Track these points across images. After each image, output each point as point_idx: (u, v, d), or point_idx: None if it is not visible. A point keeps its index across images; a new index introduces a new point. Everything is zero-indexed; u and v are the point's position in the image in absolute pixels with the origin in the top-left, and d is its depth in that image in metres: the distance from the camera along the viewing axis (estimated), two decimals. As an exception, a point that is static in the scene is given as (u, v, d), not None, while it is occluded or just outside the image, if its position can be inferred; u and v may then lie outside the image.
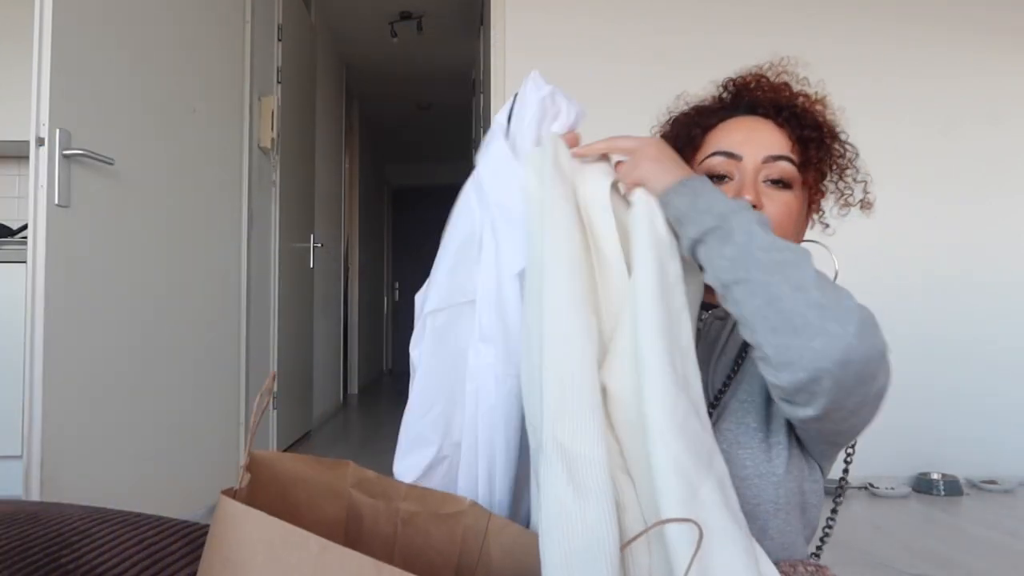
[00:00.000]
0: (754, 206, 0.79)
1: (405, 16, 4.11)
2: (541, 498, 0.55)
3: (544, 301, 0.63)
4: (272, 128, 2.80)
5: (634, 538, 0.53)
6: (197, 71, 2.21)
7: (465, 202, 0.78)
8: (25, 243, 1.56)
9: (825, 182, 0.87)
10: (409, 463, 0.76)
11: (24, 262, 1.54)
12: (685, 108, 0.95)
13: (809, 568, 0.70)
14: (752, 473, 0.72)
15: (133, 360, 1.85)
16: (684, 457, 0.56)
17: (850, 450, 0.81)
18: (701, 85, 0.98)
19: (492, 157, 0.76)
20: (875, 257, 2.81)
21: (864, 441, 2.69)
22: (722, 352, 0.82)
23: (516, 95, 0.78)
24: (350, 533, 0.66)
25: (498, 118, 0.79)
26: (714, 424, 0.74)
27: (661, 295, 0.64)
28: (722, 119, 0.88)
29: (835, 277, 0.84)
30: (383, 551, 0.66)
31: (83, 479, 1.63)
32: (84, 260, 1.66)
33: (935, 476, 2.76)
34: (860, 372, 0.57)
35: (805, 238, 0.90)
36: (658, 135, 0.96)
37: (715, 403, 0.77)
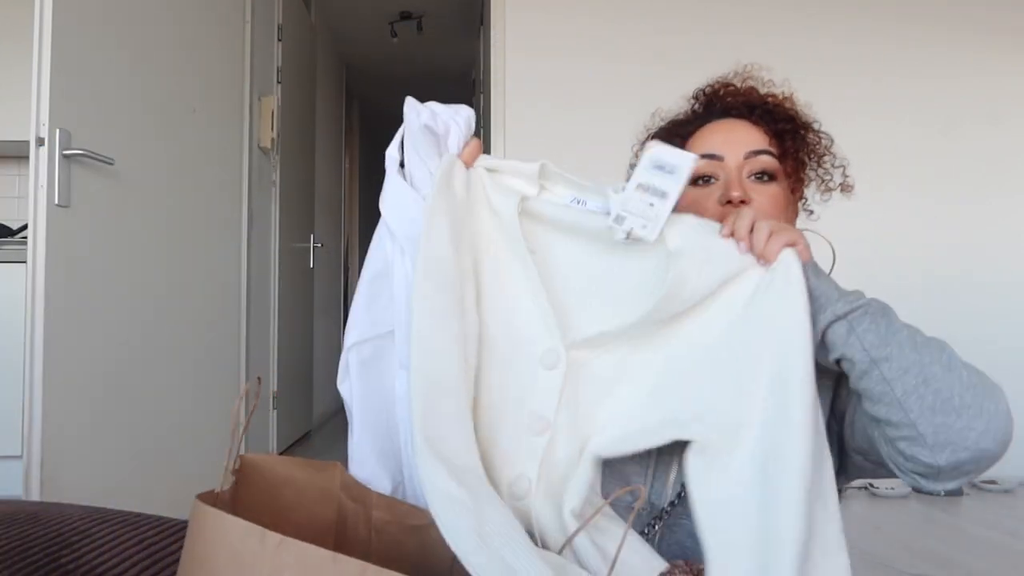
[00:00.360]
0: (743, 201, 0.82)
1: (405, 16, 4.11)
2: (426, 493, 0.55)
3: (412, 311, 0.65)
4: (272, 128, 2.80)
5: (590, 517, 0.54)
6: (197, 71, 2.21)
7: (378, 237, 0.80)
8: (25, 243, 1.56)
9: (806, 171, 0.90)
10: None
11: (24, 262, 1.53)
12: (661, 123, 0.98)
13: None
14: None
15: (133, 360, 1.85)
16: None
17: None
18: (701, 85, 0.99)
19: (390, 192, 0.78)
20: (875, 257, 2.80)
21: (864, 441, 2.61)
22: None
23: (403, 126, 0.78)
24: (339, 534, 0.66)
25: (390, 152, 0.79)
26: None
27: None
28: (699, 126, 0.91)
29: (832, 265, 0.86)
30: (362, 557, 0.66)
31: (83, 479, 1.63)
32: (84, 260, 1.66)
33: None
34: (1004, 447, 0.60)
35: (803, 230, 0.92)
36: (636, 152, 0.99)
37: None
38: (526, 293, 0.72)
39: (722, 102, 0.92)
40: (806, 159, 0.89)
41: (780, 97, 0.92)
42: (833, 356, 0.65)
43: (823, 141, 0.91)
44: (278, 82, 2.96)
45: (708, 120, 0.91)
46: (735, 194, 0.82)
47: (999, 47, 2.98)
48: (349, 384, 0.79)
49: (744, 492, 0.58)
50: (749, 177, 0.84)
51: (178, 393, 2.06)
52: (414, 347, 0.63)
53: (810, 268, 0.68)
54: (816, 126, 0.92)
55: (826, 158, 0.91)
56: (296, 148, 3.27)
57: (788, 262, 0.65)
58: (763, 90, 0.93)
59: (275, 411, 2.99)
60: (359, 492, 0.69)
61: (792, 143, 0.86)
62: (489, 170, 0.78)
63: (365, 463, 0.76)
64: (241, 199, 2.51)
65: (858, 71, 2.85)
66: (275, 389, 2.98)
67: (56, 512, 0.71)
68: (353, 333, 0.79)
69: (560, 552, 0.56)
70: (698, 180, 0.85)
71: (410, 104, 0.76)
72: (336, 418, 4.42)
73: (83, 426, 1.63)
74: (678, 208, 0.69)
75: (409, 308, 0.67)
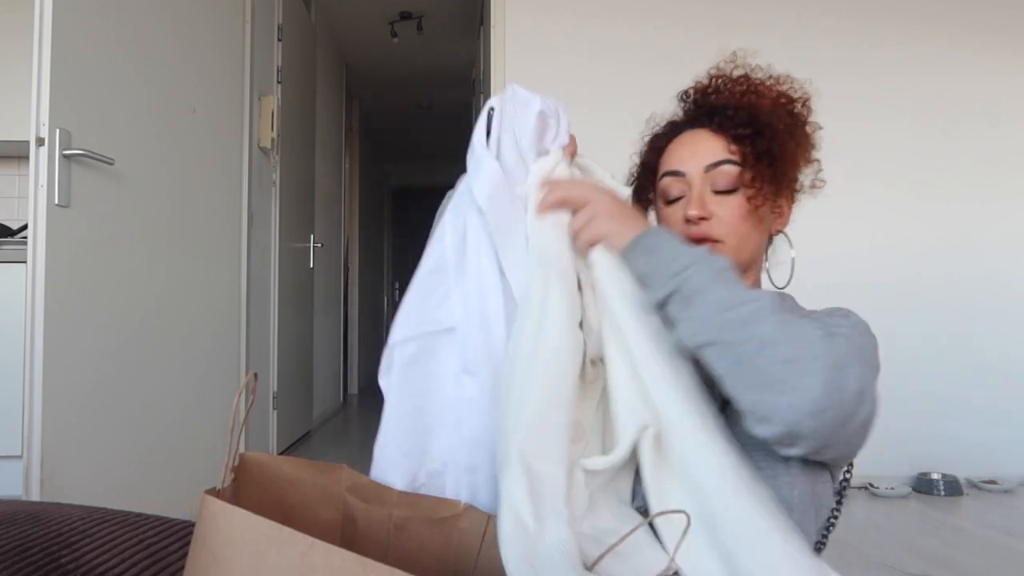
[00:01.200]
0: (702, 217, 0.83)
1: (405, 16, 4.10)
2: (500, 506, 0.56)
3: (546, 316, 0.64)
4: (272, 128, 2.80)
5: (627, 535, 0.53)
6: (197, 71, 2.21)
7: (440, 231, 0.76)
8: (25, 243, 1.56)
9: (777, 172, 0.86)
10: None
11: (24, 262, 1.54)
12: (657, 128, 0.98)
13: None
14: (768, 473, 0.72)
15: (133, 360, 1.85)
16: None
17: (837, 506, 0.82)
18: (692, 81, 0.99)
19: (486, 181, 0.72)
20: (874, 258, 2.80)
21: (864, 441, 2.60)
22: None
23: (491, 110, 0.74)
24: (346, 536, 0.66)
25: (476, 137, 0.75)
26: (728, 426, 0.75)
27: (656, 346, 0.66)
28: (669, 139, 0.91)
29: (792, 266, 0.90)
30: (376, 556, 0.66)
31: (83, 479, 1.63)
32: (84, 260, 1.66)
33: (935, 476, 2.76)
34: (836, 416, 0.59)
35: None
36: (639, 162, 0.99)
37: (724, 407, 0.77)
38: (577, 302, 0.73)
39: (707, 104, 0.92)
40: (781, 158, 0.86)
41: (749, 90, 0.90)
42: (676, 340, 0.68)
43: (794, 140, 0.87)
44: (278, 82, 2.96)
45: (679, 131, 0.91)
46: (692, 213, 0.84)
47: (999, 47, 2.98)
48: (389, 381, 0.76)
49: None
50: (715, 191, 0.85)
51: (178, 393, 2.06)
52: (540, 355, 0.62)
53: (635, 251, 0.70)
54: (797, 109, 0.90)
55: (797, 154, 0.88)
56: (296, 148, 3.27)
57: (595, 260, 0.71)
58: (755, 76, 0.92)
59: (275, 411, 2.99)
60: (374, 492, 0.68)
61: (751, 149, 0.84)
62: (582, 168, 0.79)
63: (385, 460, 0.73)
64: (241, 199, 2.51)
65: (858, 71, 2.85)
66: (275, 389, 2.98)
67: (56, 512, 0.71)
68: (400, 329, 0.76)
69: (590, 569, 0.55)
70: (671, 201, 0.88)
71: (518, 91, 0.74)
72: (336, 418, 4.41)
73: (83, 426, 1.63)
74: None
75: (512, 315, 0.67)
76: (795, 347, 0.59)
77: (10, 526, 0.65)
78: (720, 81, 0.93)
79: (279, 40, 2.98)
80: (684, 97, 0.97)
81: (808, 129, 0.90)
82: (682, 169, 0.86)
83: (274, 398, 2.97)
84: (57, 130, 1.54)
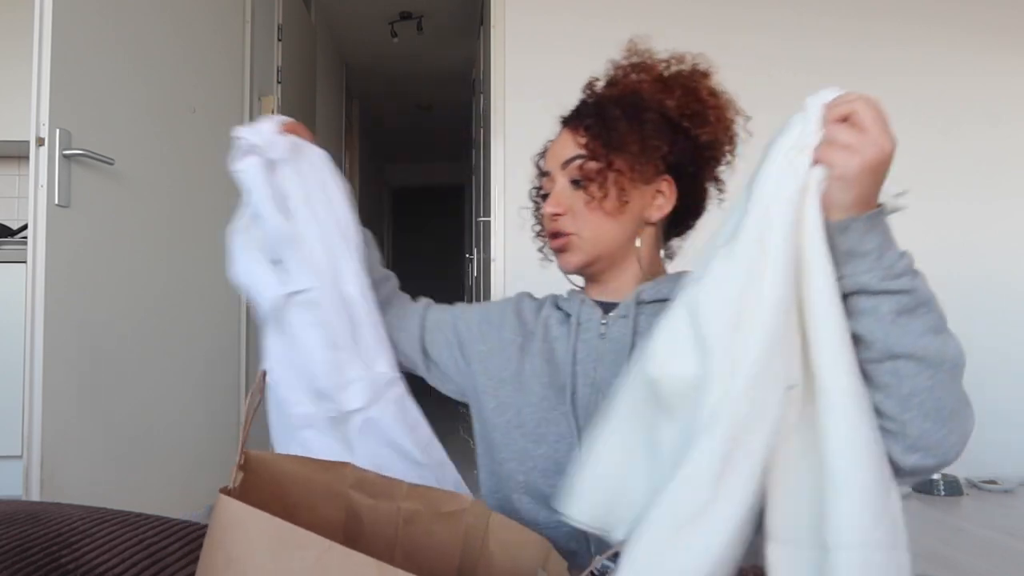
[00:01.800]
0: (557, 213, 0.86)
1: (405, 16, 4.10)
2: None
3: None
4: (272, 128, 2.79)
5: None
6: (197, 71, 2.21)
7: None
8: (25, 243, 1.56)
9: (633, 157, 0.84)
10: None
11: (24, 262, 1.54)
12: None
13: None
14: None
15: (133, 360, 1.85)
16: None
17: None
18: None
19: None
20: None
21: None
22: (635, 349, 0.80)
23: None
24: (349, 534, 0.66)
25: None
26: None
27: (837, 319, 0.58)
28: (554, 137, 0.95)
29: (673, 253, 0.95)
30: (384, 552, 0.66)
31: (83, 479, 1.63)
32: (84, 260, 1.66)
33: (935, 476, 2.76)
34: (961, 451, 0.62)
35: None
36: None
37: None
38: None
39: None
40: (618, 148, 0.84)
41: (653, 62, 0.91)
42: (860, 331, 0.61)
43: (638, 124, 0.84)
44: (278, 82, 2.96)
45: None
46: (546, 209, 0.87)
47: (999, 47, 2.98)
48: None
49: None
50: (573, 185, 0.87)
51: (178, 393, 2.06)
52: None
53: (875, 221, 0.65)
54: (693, 80, 0.87)
55: (636, 142, 0.84)
56: (296, 148, 3.26)
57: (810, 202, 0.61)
58: (655, 61, 0.92)
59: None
60: (381, 487, 0.68)
61: (595, 142, 0.85)
62: None
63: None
64: (241, 199, 2.50)
65: (858, 71, 2.85)
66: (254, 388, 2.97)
67: (56, 512, 0.71)
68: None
69: None
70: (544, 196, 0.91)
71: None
72: (336, 418, 4.41)
73: (83, 426, 1.63)
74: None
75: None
76: (961, 384, 0.61)
77: (10, 526, 0.65)
78: (615, 70, 0.94)
79: (279, 40, 2.98)
80: (583, 91, 0.99)
81: (707, 108, 0.86)
82: (547, 168, 0.90)
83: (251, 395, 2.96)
84: (57, 130, 1.54)
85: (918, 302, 0.61)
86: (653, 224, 0.88)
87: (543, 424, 0.81)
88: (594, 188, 0.84)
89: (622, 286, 0.87)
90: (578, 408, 0.80)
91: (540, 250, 0.98)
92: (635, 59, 0.93)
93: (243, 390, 2.51)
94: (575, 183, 0.86)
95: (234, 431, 2.46)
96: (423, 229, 7.86)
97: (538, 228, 0.98)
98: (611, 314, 0.85)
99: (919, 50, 2.94)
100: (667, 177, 0.87)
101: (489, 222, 2.88)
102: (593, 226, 0.85)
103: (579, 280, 0.93)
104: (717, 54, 0.96)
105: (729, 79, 0.93)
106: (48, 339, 1.52)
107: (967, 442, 0.60)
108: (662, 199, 0.87)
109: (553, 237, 0.87)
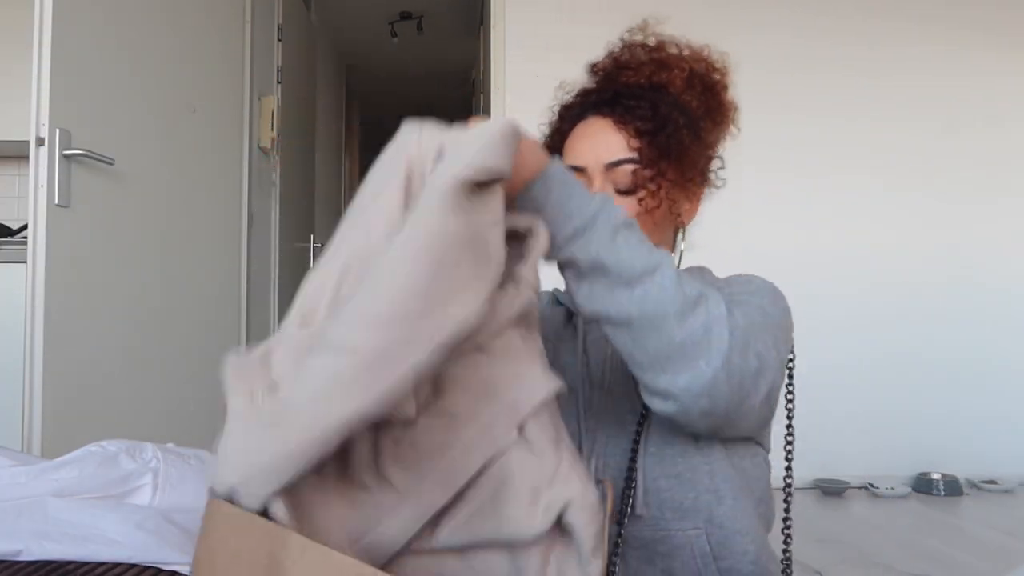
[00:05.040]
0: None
1: (405, 16, 4.10)
2: None
3: None
4: (272, 128, 2.79)
5: None
6: (197, 71, 2.21)
7: None
8: (25, 243, 1.56)
9: (678, 171, 0.81)
10: None
11: (24, 262, 1.54)
12: (567, 97, 0.91)
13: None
14: (684, 469, 0.73)
15: (133, 360, 1.85)
16: None
17: (789, 447, 0.78)
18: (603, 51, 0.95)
19: None
20: (874, 257, 2.80)
21: (864, 441, 2.71)
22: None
23: None
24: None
25: None
26: (647, 427, 0.74)
27: None
28: (574, 123, 0.85)
29: (679, 262, 0.84)
30: None
31: (83, 479, 1.63)
32: (84, 260, 1.66)
33: (935, 476, 2.76)
34: (732, 395, 0.59)
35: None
36: (546, 134, 0.93)
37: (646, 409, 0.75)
38: None
39: (600, 88, 0.86)
40: (681, 156, 0.80)
41: (680, 56, 0.86)
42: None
43: (699, 132, 0.82)
44: (278, 82, 2.96)
45: (583, 116, 0.84)
46: None
47: (999, 47, 2.98)
48: None
49: None
50: (616, 191, 0.79)
51: (178, 393, 2.06)
52: None
53: (528, 192, 0.60)
54: (716, 78, 0.85)
55: (703, 147, 0.82)
56: (296, 148, 3.26)
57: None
58: (669, 48, 0.87)
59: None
60: None
61: (650, 148, 0.78)
62: None
63: None
64: (241, 199, 2.51)
65: (858, 71, 2.85)
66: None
67: (56, 512, 0.71)
68: None
69: None
70: None
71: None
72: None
73: (83, 426, 1.63)
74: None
75: None
76: (694, 327, 0.58)
77: (10, 526, 0.65)
78: (631, 52, 0.87)
79: (279, 40, 2.98)
80: (594, 70, 0.90)
81: (723, 108, 0.85)
82: (583, 163, 0.81)
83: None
84: (57, 130, 1.54)
85: (588, 264, 0.59)
86: (683, 228, 0.87)
87: None
88: (648, 199, 0.78)
89: None
90: (588, 408, 0.79)
91: None
92: (652, 43, 0.88)
93: (243, 390, 2.50)
94: (619, 190, 0.79)
95: (234, 431, 2.46)
96: (423, 229, 7.84)
97: None
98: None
99: (919, 50, 2.94)
100: (693, 187, 0.85)
101: (489, 222, 2.87)
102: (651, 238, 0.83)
103: None
104: (716, 54, 0.95)
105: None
106: (48, 339, 1.52)
107: (710, 379, 0.58)
108: (695, 204, 0.87)
109: None
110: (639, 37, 0.89)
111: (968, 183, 2.93)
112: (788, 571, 0.75)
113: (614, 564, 0.72)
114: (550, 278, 1.00)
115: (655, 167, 0.78)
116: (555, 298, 0.90)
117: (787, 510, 0.77)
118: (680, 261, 0.86)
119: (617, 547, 0.72)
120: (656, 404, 0.62)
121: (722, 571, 0.71)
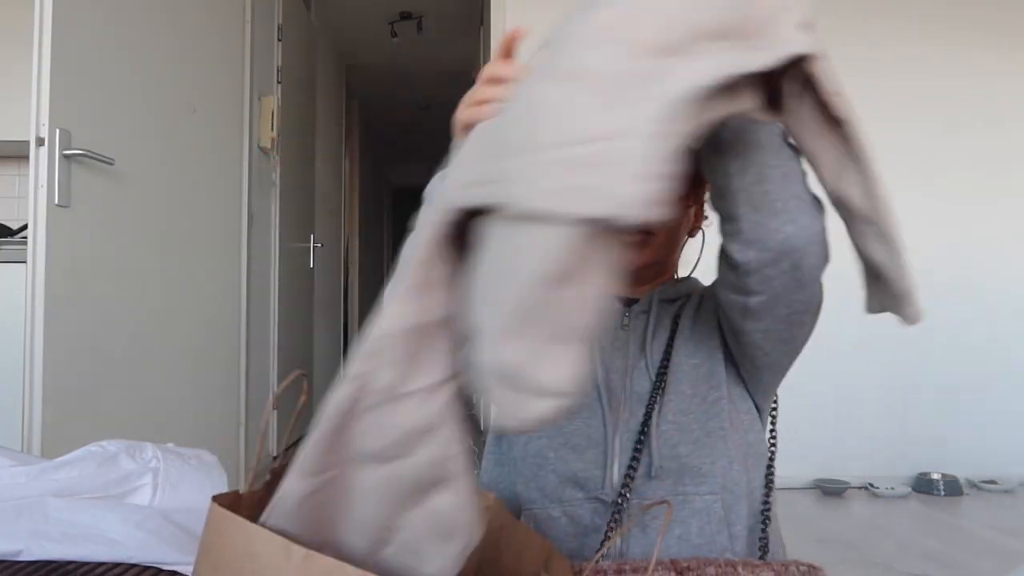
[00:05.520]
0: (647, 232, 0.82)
1: (405, 16, 4.10)
2: None
3: None
4: (272, 128, 2.80)
5: None
6: (197, 71, 2.21)
7: None
8: (25, 243, 1.56)
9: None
10: None
11: (24, 262, 1.53)
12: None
13: (802, 568, 0.70)
14: (701, 435, 0.77)
15: (133, 360, 1.85)
16: None
17: (772, 441, 0.82)
18: None
19: None
20: (875, 257, 2.80)
21: (864, 441, 2.70)
22: (654, 338, 0.84)
23: None
24: None
25: None
26: (663, 398, 0.79)
27: None
28: None
29: (695, 266, 0.89)
30: None
31: (83, 479, 1.63)
32: (84, 260, 1.66)
33: (935, 476, 2.76)
34: (811, 266, 0.64)
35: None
36: None
37: (659, 383, 0.80)
38: None
39: None
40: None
41: None
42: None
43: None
44: (278, 82, 2.96)
45: None
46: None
47: (999, 47, 2.98)
48: None
49: None
50: None
51: (178, 393, 2.06)
52: None
53: None
54: None
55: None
56: (296, 148, 3.26)
57: None
58: None
59: (275, 411, 2.99)
60: None
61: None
62: None
63: None
64: (241, 199, 2.51)
65: (858, 71, 2.85)
66: (275, 389, 2.98)
67: (56, 512, 0.71)
68: None
69: None
70: None
71: None
72: (336, 418, 4.41)
73: (83, 426, 1.63)
74: None
75: None
76: (808, 192, 0.63)
77: (10, 526, 0.65)
78: None
79: (279, 40, 2.98)
80: None
81: None
82: None
83: (275, 398, 2.96)
84: (57, 130, 1.54)
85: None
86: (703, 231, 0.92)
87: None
88: (682, 208, 0.85)
89: (646, 285, 0.89)
90: (608, 391, 0.82)
91: None
92: None
93: (243, 390, 2.51)
94: None
95: (234, 431, 2.46)
96: (423, 229, 7.84)
97: None
98: (634, 307, 0.87)
99: (919, 50, 2.94)
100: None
101: (489, 222, 2.87)
102: (675, 244, 0.86)
103: None
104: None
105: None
106: (48, 339, 1.52)
107: (813, 239, 0.63)
108: (700, 213, 0.91)
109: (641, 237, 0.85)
110: None
111: (968, 183, 2.93)
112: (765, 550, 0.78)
113: (611, 530, 0.74)
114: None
115: (686, 183, 0.84)
116: None
117: (767, 501, 0.80)
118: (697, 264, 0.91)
119: (620, 510, 0.75)
120: (749, 252, 0.64)
121: (732, 536, 0.75)
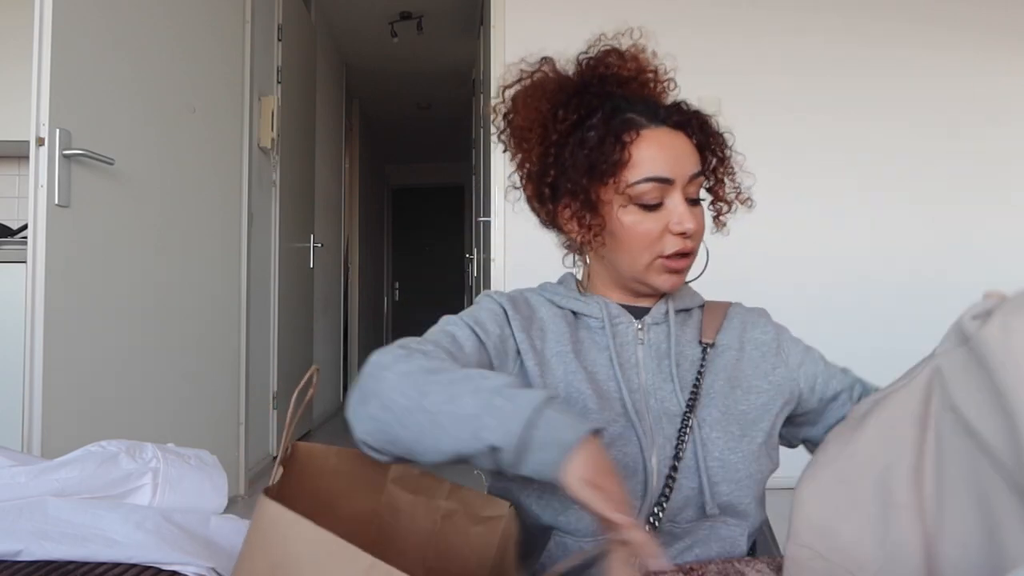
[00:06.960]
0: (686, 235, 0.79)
1: (405, 16, 4.10)
2: None
3: None
4: (272, 128, 2.80)
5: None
6: (197, 71, 2.21)
7: None
8: (25, 243, 1.56)
9: (721, 187, 0.86)
10: None
11: (24, 262, 1.54)
12: (621, 104, 0.84)
13: None
14: (744, 476, 0.78)
15: (133, 360, 1.85)
16: None
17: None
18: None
19: None
20: (874, 258, 2.80)
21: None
22: (678, 354, 0.82)
23: None
24: (384, 527, 0.67)
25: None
26: (696, 421, 0.78)
27: None
28: (641, 126, 0.80)
29: (704, 267, 0.86)
30: (418, 546, 0.67)
31: (83, 479, 1.63)
32: (84, 260, 1.66)
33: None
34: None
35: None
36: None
37: (690, 405, 0.79)
38: None
39: (663, 108, 0.83)
40: (726, 172, 0.86)
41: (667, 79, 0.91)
42: None
43: (728, 150, 0.86)
44: (278, 82, 2.96)
45: (652, 123, 0.80)
46: (689, 226, 0.77)
47: (999, 47, 2.98)
48: None
49: None
50: (687, 200, 0.80)
51: (178, 393, 2.06)
52: None
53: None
54: (726, 132, 0.86)
55: (732, 165, 0.87)
56: (296, 148, 3.26)
57: None
58: (652, 63, 0.92)
59: (275, 411, 2.98)
60: (424, 484, 0.69)
61: (709, 159, 0.84)
62: None
63: None
64: (241, 199, 2.51)
65: (858, 71, 2.85)
66: (275, 389, 2.98)
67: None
68: None
69: None
70: (644, 207, 0.78)
71: None
72: (336, 418, 4.41)
73: (83, 426, 1.63)
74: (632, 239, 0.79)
75: None
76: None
77: (10, 526, 0.65)
78: (626, 69, 0.91)
79: (279, 40, 2.98)
80: (592, 66, 0.94)
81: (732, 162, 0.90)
82: (672, 176, 0.77)
83: (274, 398, 2.97)
84: (57, 130, 1.54)
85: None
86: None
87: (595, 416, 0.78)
88: (718, 208, 0.86)
89: (656, 295, 0.85)
90: (636, 414, 0.77)
91: (579, 251, 0.89)
92: (634, 63, 0.92)
93: (243, 390, 2.51)
94: (693, 200, 0.81)
95: (234, 431, 2.46)
96: (423, 229, 7.86)
97: (590, 235, 0.81)
98: (646, 320, 0.83)
99: (919, 50, 2.94)
100: None
101: (489, 222, 2.88)
102: (698, 244, 0.84)
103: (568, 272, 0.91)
104: (716, 54, 0.95)
105: (729, 80, 0.93)
106: (48, 339, 1.52)
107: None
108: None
109: (682, 257, 0.80)
110: (641, 42, 0.94)
111: (968, 183, 2.93)
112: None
113: None
114: (525, 279, 0.97)
115: (712, 179, 0.85)
116: (550, 300, 0.87)
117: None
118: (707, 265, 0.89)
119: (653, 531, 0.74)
120: None
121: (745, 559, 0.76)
